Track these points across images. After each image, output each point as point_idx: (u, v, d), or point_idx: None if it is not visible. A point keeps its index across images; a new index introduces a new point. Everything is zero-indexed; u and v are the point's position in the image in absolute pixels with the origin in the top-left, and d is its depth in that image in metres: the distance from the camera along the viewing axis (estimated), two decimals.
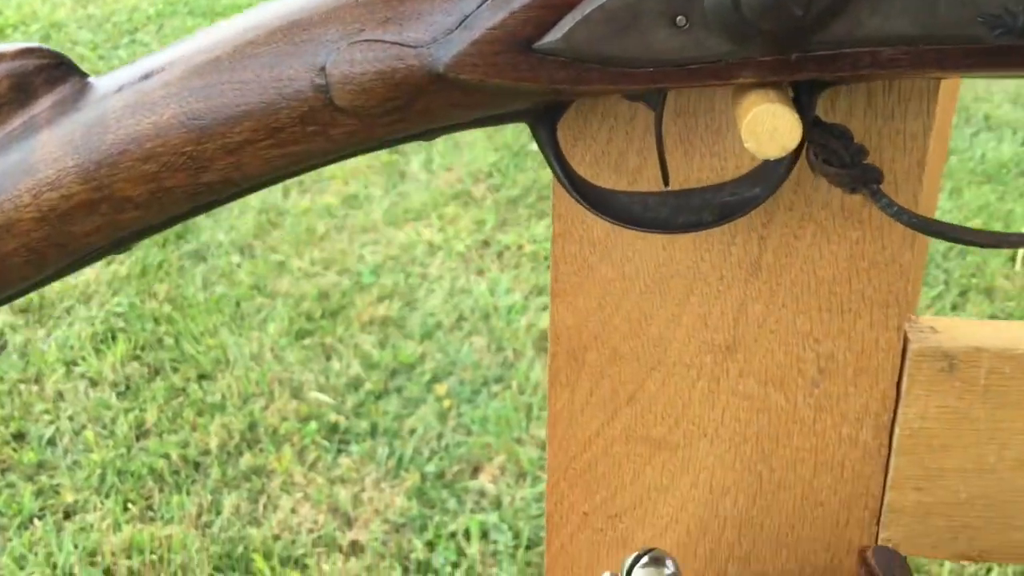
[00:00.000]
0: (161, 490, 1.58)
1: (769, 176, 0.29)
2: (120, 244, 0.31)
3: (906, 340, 0.34)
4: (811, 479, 0.36)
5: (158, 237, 2.11)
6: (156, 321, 1.90)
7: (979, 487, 0.35)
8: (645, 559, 0.29)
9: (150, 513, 1.55)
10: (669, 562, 0.29)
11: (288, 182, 2.35)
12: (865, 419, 0.35)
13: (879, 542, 0.37)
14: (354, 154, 0.30)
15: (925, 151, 0.32)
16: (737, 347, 0.35)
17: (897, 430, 0.35)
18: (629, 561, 0.30)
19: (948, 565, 1.36)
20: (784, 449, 0.36)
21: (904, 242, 0.33)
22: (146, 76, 0.29)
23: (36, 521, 1.52)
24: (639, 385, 0.36)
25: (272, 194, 2.25)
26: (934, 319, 0.35)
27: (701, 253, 0.34)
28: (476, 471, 1.63)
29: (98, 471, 1.60)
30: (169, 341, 1.85)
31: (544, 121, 0.29)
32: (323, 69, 0.27)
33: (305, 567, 1.45)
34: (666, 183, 0.30)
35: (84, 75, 0.30)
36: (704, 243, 0.34)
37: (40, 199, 0.29)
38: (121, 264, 2.05)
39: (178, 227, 2.20)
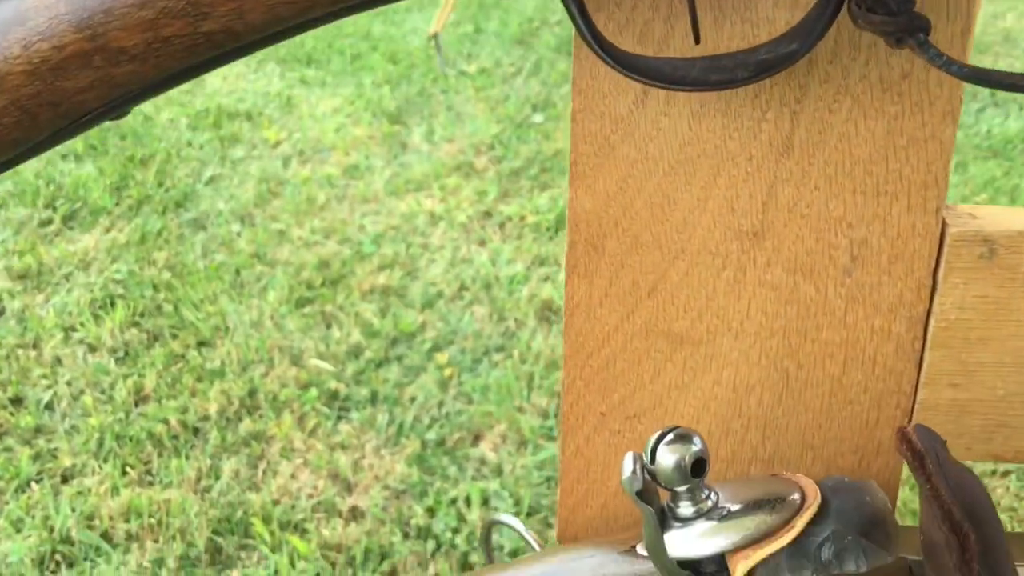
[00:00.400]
0: (160, 455, 1.56)
1: (807, 31, 0.27)
2: (115, 107, 0.30)
3: (944, 225, 0.32)
4: (840, 376, 0.34)
5: (157, 204, 2.09)
6: (155, 288, 1.88)
7: (1018, 383, 0.33)
8: (670, 436, 0.28)
9: (149, 477, 1.53)
10: (696, 439, 0.28)
11: (288, 151, 2.33)
12: (899, 310, 0.33)
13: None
14: (364, 5, 0.28)
15: (970, 18, 0.30)
16: (765, 233, 0.33)
17: (932, 322, 0.33)
18: (653, 440, 0.28)
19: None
20: (812, 344, 0.34)
21: (945, 117, 0.31)
22: None
23: (33, 484, 1.50)
24: (661, 275, 0.34)
25: (272, 164, 2.24)
26: (972, 207, 0.33)
27: (729, 131, 0.32)
28: (477, 439, 1.62)
29: (96, 435, 1.59)
30: (168, 308, 1.84)
31: None
32: None
33: (305, 531, 1.43)
34: (697, 40, 0.28)
35: None
36: (733, 120, 0.32)
37: (31, 50, 0.28)
38: (120, 232, 2.03)
39: (177, 195, 2.17)
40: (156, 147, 2.27)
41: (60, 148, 2.27)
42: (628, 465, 0.28)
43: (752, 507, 0.28)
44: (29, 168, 2.20)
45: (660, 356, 0.35)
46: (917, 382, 0.34)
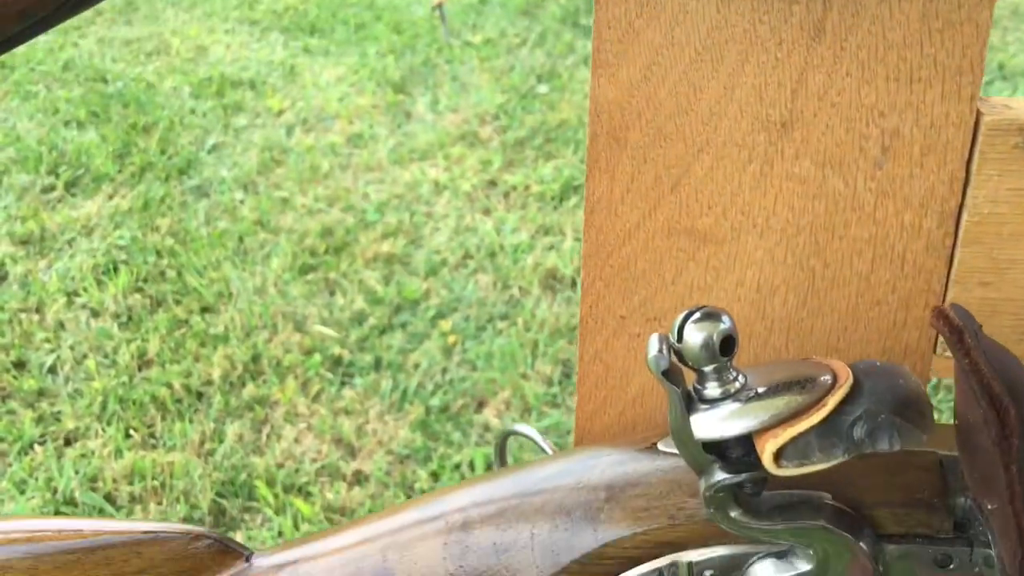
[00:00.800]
0: (163, 418, 1.56)
1: None
2: None
3: (978, 114, 0.31)
4: (868, 275, 0.33)
5: (160, 172, 2.08)
6: (158, 254, 1.87)
7: None
8: (698, 315, 0.27)
9: (152, 440, 1.53)
10: (725, 317, 0.27)
11: (292, 120, 2.31)
12: (930, 204, 0.32)
13: (939, 344, 0.34)
14: None
15: None
16: (794, 124, 0.32)
17: (965, 216, 0.32)
18: (681, 318, 0.27)
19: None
20: (840, 241, 0.33)
21: None
22: None
23: (37, 447, 1.50)
24: (685, 169, 0.33)
25: (275, 132, 2.22)
26: (1007, 98, 0.32)
27: (759, 15, 0.31)
28: (481, 406, 1.61)
29: (99, 399, 1.58)
30: (171, 274, 1.83)
31: None
32: None
33: (309, 494, 1.43)
34: None
35: None
36: (763, 3, 0.31)
37: None
38: (123, 198, 2.02)
39: (180, 162, 2.16)
40: (159, 115, 2.25)
41: (62, 115, 2.25)
42: (654, 344, 0.27)
43: (781, 388, 0.27)
44: (31, 135, 2.19)
45: (683, 255, 0.34)
46: (947, 280, 0.33)
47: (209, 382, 1.63)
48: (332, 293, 1.82)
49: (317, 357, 1.67)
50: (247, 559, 0.35)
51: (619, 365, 0.36)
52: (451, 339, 1.72)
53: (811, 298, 0.34)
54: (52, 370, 1.65)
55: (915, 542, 0.29)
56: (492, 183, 2.09)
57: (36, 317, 1.75)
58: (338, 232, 1.95)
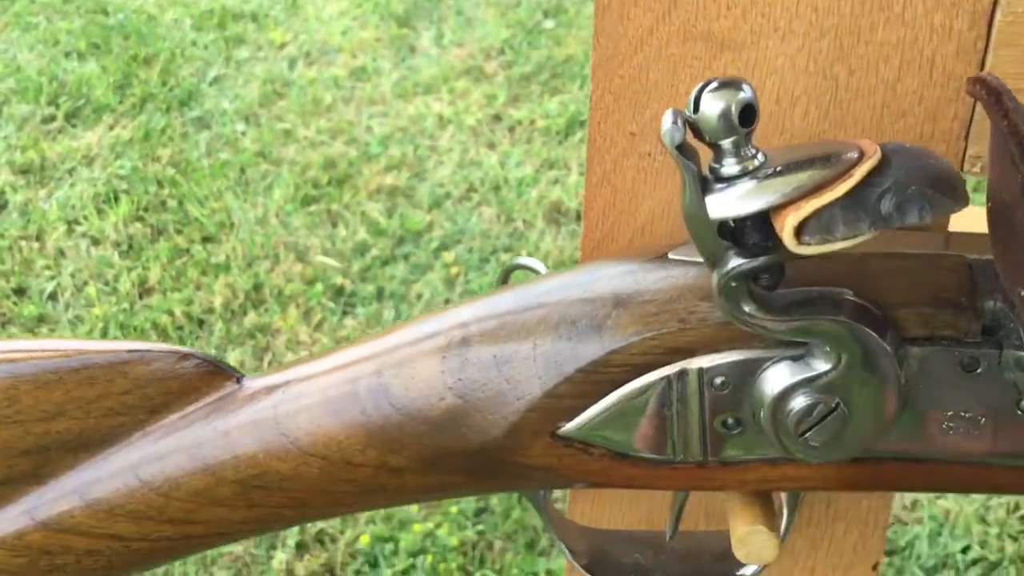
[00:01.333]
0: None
1: None
2: None
3: None
4: (894, 83, 0.32)
5: (161, 103, 2.05)
6: (159, 184, 1.85)
7: None
8: (715, 83, 0.25)
9: None
10: (745, 86, 0.25)
11: (294, 53, 2.27)
12: (962, 3, 0.30)
13: (967, 160, 0.33)
14: None
15: None
16: None
17: (998, 15, 0.30)
18: (696, 89, 0.25)
19: None
20: (866, 46, 0.31)
21: None
22: None
23: None
24: None
25: (278, 65, 2.19)
26: None
27: None
28: None
29: (100, 325, 1.58)
30: (172, 204, 1.81)
31: None
32: None
33: None
34: None
35: None
36: None
37: None
38: (124, 129, 2.00)
39: (181, 94, 2.13)
40: (160, 46, 2.22)
41: (63, 46, 2.22)
42: (668, 118, 0.25)
43: (804, 163, 0.25)
44: (31, 65, 2.16)
45: (698, 63, 0.32)
46: None
47: (211, 310, 1.62)
48: (335, 224, 1.80)
49: (319, 287, 1.65)
50: (238, 380, 0.33)
51: (628, 188, 0.34)
52: (454, 270, 1.71)
53: (833, 109, 0.32)
54: (52, 297, 1.64)
55: (940, 344, 0.28)
56: (497, 118, 2.06)
57: (36, 245, 1.73)
58: (341, 164, 1.92)
